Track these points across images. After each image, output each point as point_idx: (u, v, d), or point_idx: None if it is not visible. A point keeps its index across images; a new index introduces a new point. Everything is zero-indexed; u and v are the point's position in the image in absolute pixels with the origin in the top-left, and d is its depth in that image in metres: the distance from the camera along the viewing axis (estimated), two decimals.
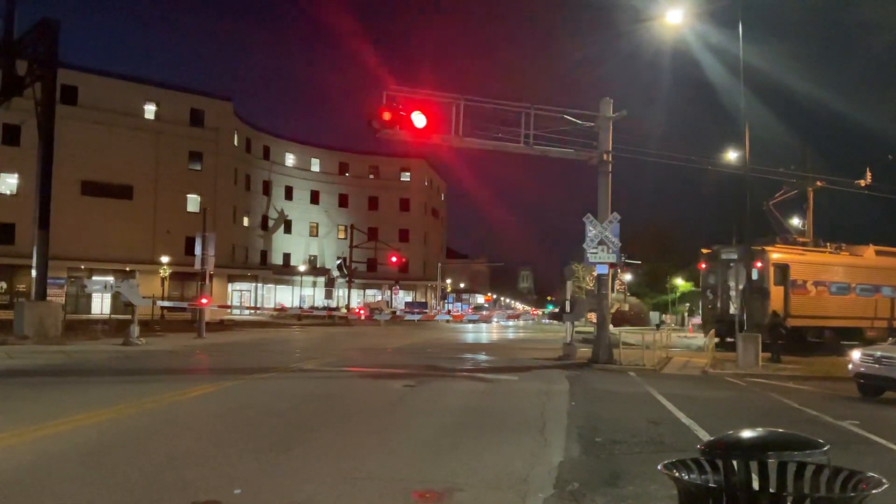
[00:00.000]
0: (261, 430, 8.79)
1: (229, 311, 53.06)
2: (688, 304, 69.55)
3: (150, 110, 59.20)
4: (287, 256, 76.43)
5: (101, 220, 53.25)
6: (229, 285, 63.67)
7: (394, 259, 64.92)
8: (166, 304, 37.47)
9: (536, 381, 15.50)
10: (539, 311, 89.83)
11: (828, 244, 30.46)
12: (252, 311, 58.33)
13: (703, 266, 29.83)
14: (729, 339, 25.62)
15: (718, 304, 28.03)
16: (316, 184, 79.76)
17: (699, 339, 33.07)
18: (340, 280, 66.52)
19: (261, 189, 72.38)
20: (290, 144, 77.75)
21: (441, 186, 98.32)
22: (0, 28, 26.94)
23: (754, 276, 25.51)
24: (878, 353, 13.72)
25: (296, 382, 14.30)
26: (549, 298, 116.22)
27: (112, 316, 35.24)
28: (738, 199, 24.13)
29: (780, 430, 2.61)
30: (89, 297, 49.45)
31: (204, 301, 29.56)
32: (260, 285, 69.79)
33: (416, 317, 41.18)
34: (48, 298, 26.81)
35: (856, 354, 14.32)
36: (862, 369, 13.92)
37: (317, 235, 79.98)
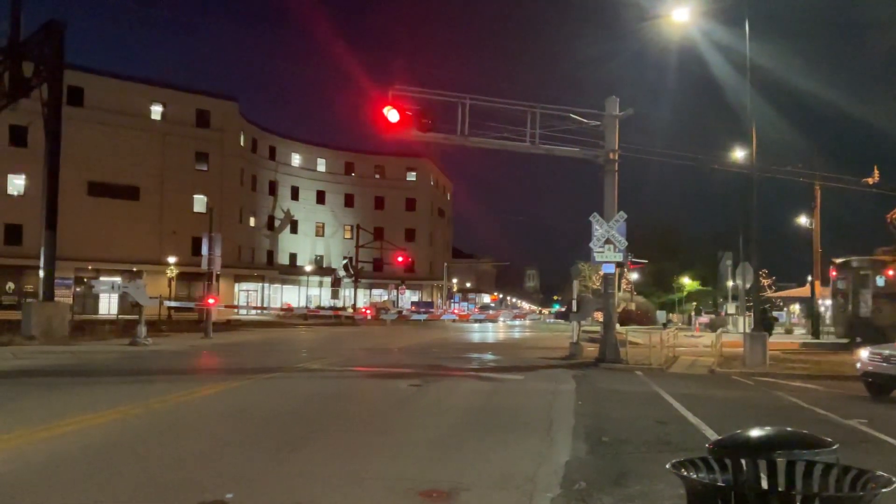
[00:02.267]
0: (267, 430, 8.80)
1: (236, 311, 53.17)
2: (694, 304, 69.42)
3: (156, 111, 59.37)
4: (293, 256, 76.55)
5: (107, 221, 53.43)
6: (236, 285, 63.79)
7: (400, 259, 64.91)
8: (173, 304, 37.52)
9: (543, 381, 15.48)
10: (545, 311, 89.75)
11: None
12: (258, 311, 58.43)
13: (834, 274, 32.17)
14: (858, 339, 27.91)
15: (849, 308, 30.16)
16: (322, 184, 79.85)
17: (706, 338, 32.99)
18: (346, 280, 66.61)
19: (267, 189, 72.51)
20: (296, 144, 77.86)
21: (447, 186, 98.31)
22: (6, 30, 27.06)
23: (880, 283, 28.47)
24: (887, 352, 13.63)
25: (302, 382, 14.32)
26: (555, 298, 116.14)
27: (119, 316, 35.39)
28: (745, 197, 24.04)
29: (789, 428, 2.59)
30: (97, 297, 49.62)
31: (211, 301, 29.62)
32: (266, 285, 69.91)
33: (423, 316, 41.12)
34: (56, 299, 26.92)
35: (864, 353, 14.22)
36: (870, 368, 13.82)
37: (323, 235, 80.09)
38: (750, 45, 20.58)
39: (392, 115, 18.85)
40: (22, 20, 27.09)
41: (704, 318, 52.80)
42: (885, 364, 13.43)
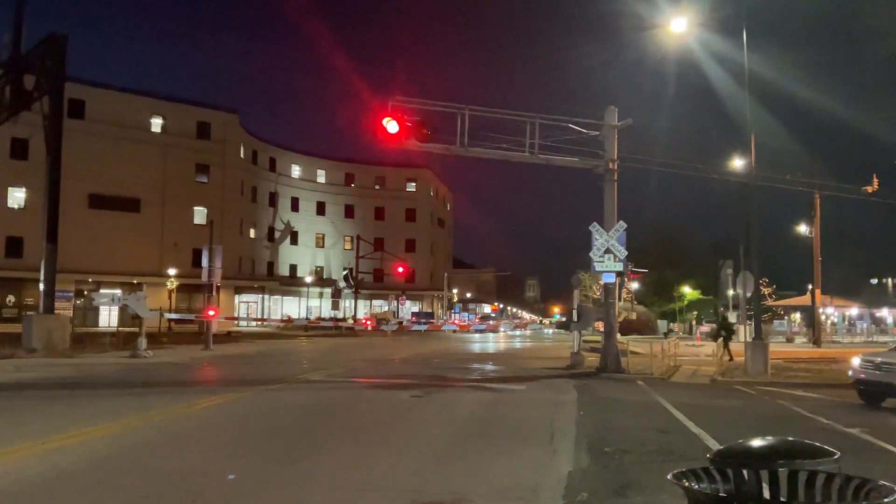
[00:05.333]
0: (269, 441, 8.79)
1: (236, 322, 53.14)
2: (695, 313, 69.33)
3: (156, 123, 59.54)
4: (293, 268, 76.53)
5: (108, 233, 53.48)
6: (236, 297, 63.76)
7: (400, 269, 65.00)
8: (174, 316, 37.57)
9: (544, 391, 15.46)
10: (546, 320, 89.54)
11: None
12: (259, 323, 58.40)
13: None
14: None
15: None
16: (322, 195, 79.95)
17: (707, 347, 32.97)
18: (347, 291, 66.59)
19: (267, 201, 72.59)
20: (296, 156, 77.99)
21: (447, 196, 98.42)
22: (8, 43, 27.15)
23: None
24: (879, 360, 13.59)
25: (303, 393, 14.30)
26: (555, 309, 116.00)
27: (120, 328, 35.28)
28: (745, 206, 24.09)
29: (791, 438, 2.59)
30: (97, 309, 49.54)
31: (211, 313, 29.61)
32: (267, 297, 69.87)
33: (423, 327, 41.14)
34: (56, 311, 26.87)
35: (856, 361, 14.15)
36: (862, 375, 13.77)
37: (323, 246, 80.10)
38: (748, 55, 20.68)
39: (391, 126, 18.91)
40: (24, 33, 27.21)
41: (705, 328, 52.79)
42: (877, 372, 13.39)
